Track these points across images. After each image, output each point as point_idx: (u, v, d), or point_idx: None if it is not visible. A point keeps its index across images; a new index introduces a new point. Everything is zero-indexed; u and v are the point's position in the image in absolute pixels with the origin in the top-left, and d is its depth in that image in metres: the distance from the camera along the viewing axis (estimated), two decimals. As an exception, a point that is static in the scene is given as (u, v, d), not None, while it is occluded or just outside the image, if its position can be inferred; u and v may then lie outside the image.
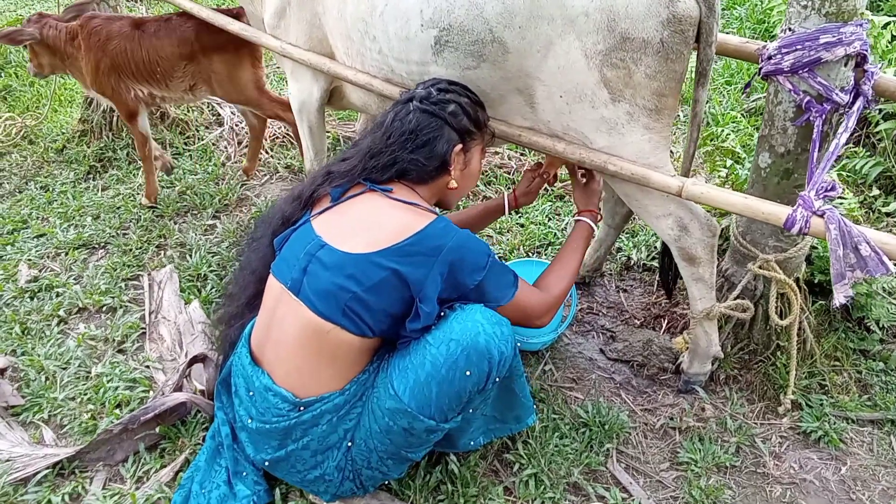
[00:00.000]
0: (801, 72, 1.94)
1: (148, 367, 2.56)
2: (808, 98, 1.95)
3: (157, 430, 2.23)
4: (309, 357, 1.82)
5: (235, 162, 3.82)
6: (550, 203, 3.43)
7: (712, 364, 2.40)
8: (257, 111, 3.40)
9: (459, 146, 1.96)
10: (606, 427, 2.29)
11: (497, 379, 1.82)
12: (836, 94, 1.92)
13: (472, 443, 2.09)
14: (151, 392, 2.40)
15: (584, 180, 2.30)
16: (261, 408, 1.88)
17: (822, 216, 1.79)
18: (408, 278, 1.75)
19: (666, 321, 2.70)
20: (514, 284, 1.91)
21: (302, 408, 1.83)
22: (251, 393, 1.92)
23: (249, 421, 1.92)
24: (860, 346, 2.55)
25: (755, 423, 2.34)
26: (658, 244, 3.08)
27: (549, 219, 3.33)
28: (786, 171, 2.13)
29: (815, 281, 2.48)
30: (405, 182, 1.96)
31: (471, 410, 1.91)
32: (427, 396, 1.76)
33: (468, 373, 1.75)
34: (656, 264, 2.99)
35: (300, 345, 1.83)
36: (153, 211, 3.42)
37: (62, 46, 3.17)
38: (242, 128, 3.98)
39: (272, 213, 2.12)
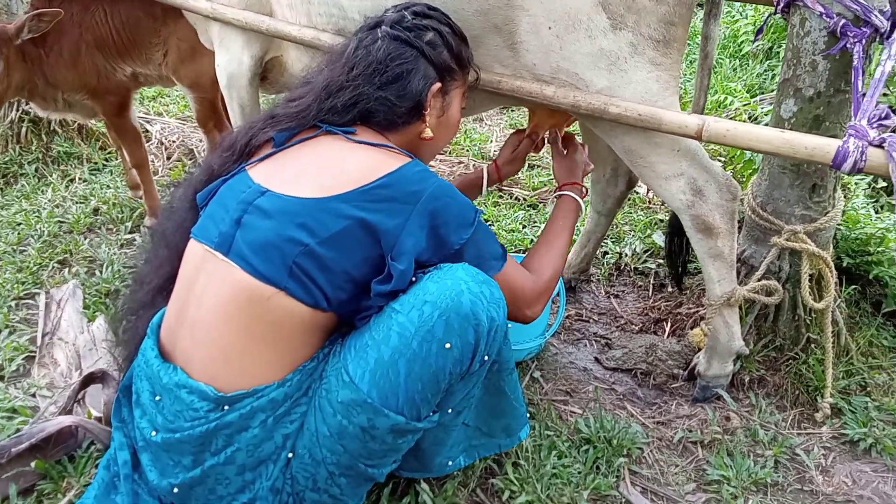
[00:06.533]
0: (833, -8, 1.64)
1: (34, 394, 2.02)
2: (843, 21, 1.64)
3: (34, 465, 1.69)
4: (239, 335, 1.35)
5: (163, 176, 3.35)
6: (524, 211, 3.06)
7: (734, 363, 2.00)
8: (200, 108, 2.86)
9: (438, 85, 1.56)
10: (614, 443, 1.84)
11: (486, 357, 1.38)
12: (876, 16, 1.61)
13: (449, 463, 1.61)
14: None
15: (566, 151, 1.92)
16: (170, 413, 1.38)
17: (881, 146, 1.45)
18: (377, 228, 1.34)
19: (669, 324, 2.30)
20: (502, 257, 1.52)
21: (226, 406, 1.34)
22: (157, 397, 1.42)
23: (153, 434, 1.40)
24: (894, 343, 2.19)
25: (791, 433, 1.92)
26: (649, 241, 2.72)
27: (524, 226, 2.95)
28: (815, 119, 1.80)
29: (843, 265, 2.13)
30: (370, 126, 1.55)
31: (450, 410, 1.46)
32: (393, 381, 1.30)
33: (448, 345, 1.30)
34: (650, 266, 2.62)
35: (227, 318, 1.35)
36: (60, 226, 2.90)
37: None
38: (173, 141, 3.53)
39: (197, 171, 1.67)
